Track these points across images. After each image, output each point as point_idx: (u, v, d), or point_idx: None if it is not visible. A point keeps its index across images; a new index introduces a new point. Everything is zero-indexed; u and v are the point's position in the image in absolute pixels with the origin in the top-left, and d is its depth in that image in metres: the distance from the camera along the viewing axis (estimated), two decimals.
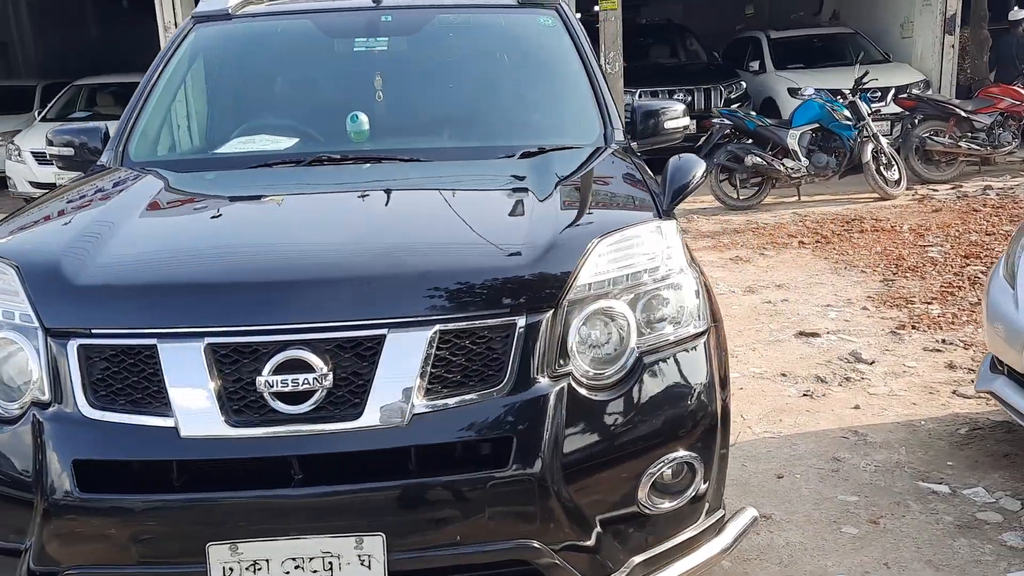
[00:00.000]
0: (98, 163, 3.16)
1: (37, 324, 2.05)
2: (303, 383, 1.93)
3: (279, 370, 1.94)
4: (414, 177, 2.89)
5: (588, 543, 2.05)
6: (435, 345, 1.99)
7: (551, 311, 2.07)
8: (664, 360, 2.18)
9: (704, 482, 2.22)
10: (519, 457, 1.96)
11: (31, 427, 1.99)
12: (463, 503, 1.94)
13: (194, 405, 1.93)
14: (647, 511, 2.14)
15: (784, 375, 4.79)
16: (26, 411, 2.02)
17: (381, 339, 1.97)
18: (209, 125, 3.50)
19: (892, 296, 6.02)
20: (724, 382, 2.31)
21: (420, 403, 1.96)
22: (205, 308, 2.01)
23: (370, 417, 1.93)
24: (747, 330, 5.58)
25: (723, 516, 2.35)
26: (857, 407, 4.32)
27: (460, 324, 2.01)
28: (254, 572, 1.90)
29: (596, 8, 11.42)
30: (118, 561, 1.94)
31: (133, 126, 3.25)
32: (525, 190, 2.53)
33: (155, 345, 1.97)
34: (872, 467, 3.70)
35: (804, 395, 4.51)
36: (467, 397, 1.99)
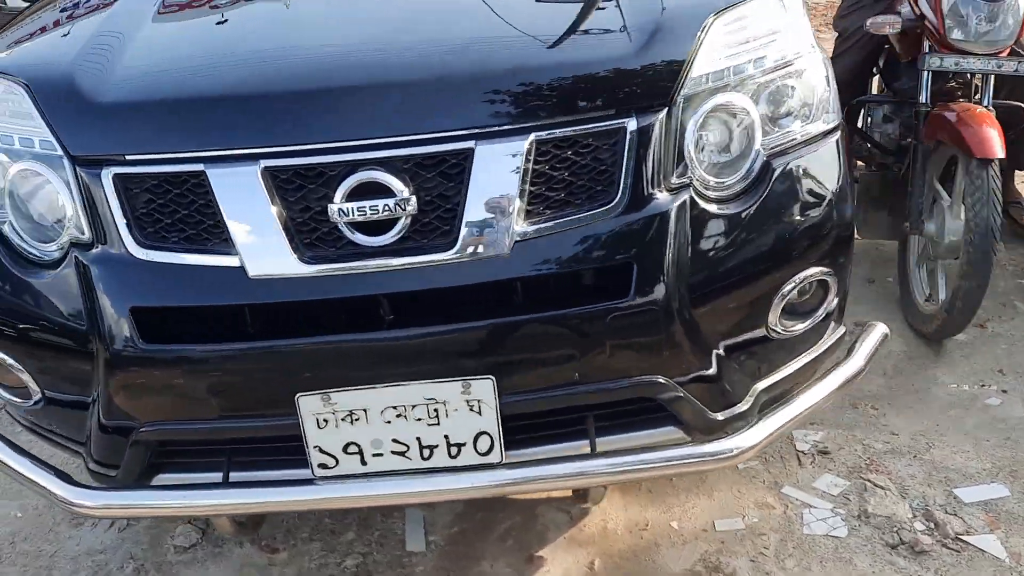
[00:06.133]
0: None
1: (61, 152, 1.73)
2: (383, 209, 1.64)
3: (353, 195, 1.64)
4: None
5: (710, 372, 1.82)
6: (532, 158, 1.67)
7: (664, 109, 1.74)
8: (794, 163, 1.86)
9: (835, 300, 1.98)
10: (641, 284, 1.69)
11: (75, 271, 1.72)
12: (581, 339, 1.70)
13: (260, 240, 1.65)
14: (776, 335, 1.90)
15: None
16: (66, 253, 1.74)
17: (469, 153, 1.66)
18: None
19: None
20: (853, 184, 2.01)
21: (521, 227, 1.67)
22: (255, 124, 1.68)
23: (465, 246, 1.65)
24: None
25: (844, 333, 2.12)
26: None
27: (561, 131, 1.69)
28: (351, 423, 1.69)
29: None
30: (197, 416, 1.73)
31: None
32: None
33: (203, 171, 1.66)
34: None
35: None
36: (574, 218, 1.69)
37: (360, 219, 1.64)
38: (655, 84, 1.74)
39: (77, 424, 1.88)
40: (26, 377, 1.86)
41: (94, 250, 1.72)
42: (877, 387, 2.89)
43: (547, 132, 1.68)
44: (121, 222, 1.69)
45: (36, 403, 1.89)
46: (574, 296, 1.70)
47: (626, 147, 1.71)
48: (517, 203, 1.66)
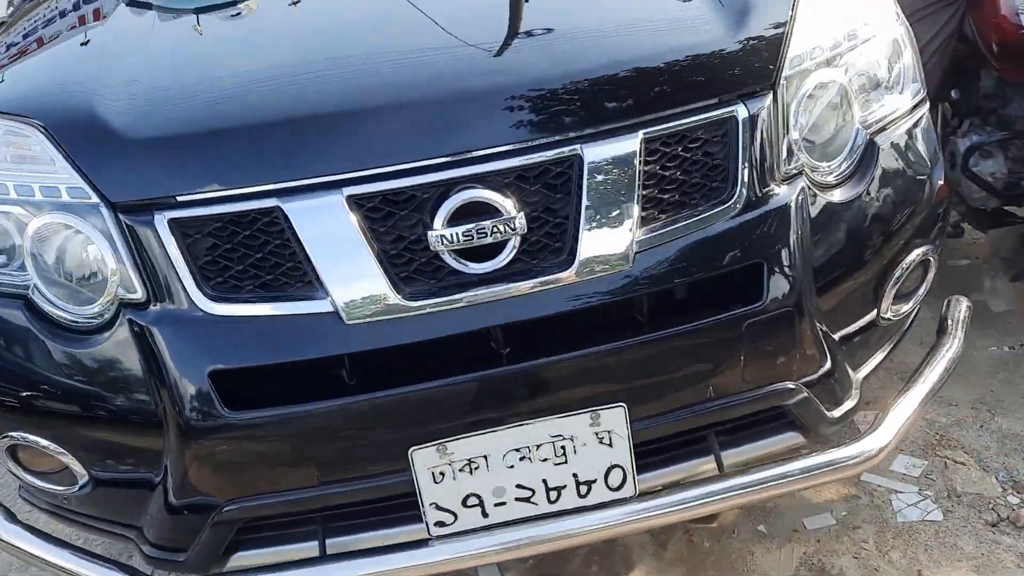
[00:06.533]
0: None
1: (97, 199, 1.49)
2: (492, 231, 1.45)
3: (453, 219, 1.45)
4: None
5: (829, 369, 1.70)
6: (643, 157, 1.51)
7: (770, 93, 1.60)
8: (894, 139, 1.76)
9: (932, 277, 1.89)
10: (774, 285, 1.55)
11: (130, 335, 1.48)
12: (716, 351, 1.55)
13: (354, 279, 1.44)
14: (884, 321, 1.80)
15: None
16: (115, 315, 1.50)
17: (577, 159, 1.48)
18: None
19: None
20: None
21: (640, 235, 1.51)
22: (334, 147, 1.47)
23: (584, 263, 1.48)
24: None
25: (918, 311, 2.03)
26: None
27: (669, 125, 1.53)
28: (470, 472, 1.51)
29: None
30: (294, 485, 1.51)
31: None
32: None
33: (277, 207, 1.44)
34: None
35: None
36: (694, 220, 1.54)
37: (465, 245, 1.45)
38: (758, 66, 1.60)
39: (131, 506, 1.64)
40: (68, 459, 1.61)
41: (152, 308, 1.48)
42: (918, 358, 2.82)
43: (655, 128, 1.52)
44: (185, 274, 1.45)
45: (82, 487, 1.64)
46: (703, 306, 1.55)
47: (738, 137, 1.56)
48: (635, 209, 1.49)
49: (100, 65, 1.70)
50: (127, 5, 2.00)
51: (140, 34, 1.80)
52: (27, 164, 1.55)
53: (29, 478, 1.68)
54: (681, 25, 1.66)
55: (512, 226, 1.45)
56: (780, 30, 1.63)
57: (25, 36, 2.06)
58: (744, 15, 1.64)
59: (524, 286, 1.47)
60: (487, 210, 1.46)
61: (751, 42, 1.62)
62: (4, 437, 1.61)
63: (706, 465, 1.67)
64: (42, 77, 1.77)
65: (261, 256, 1.46)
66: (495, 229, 1.45)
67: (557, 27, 1.65)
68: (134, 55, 1.72)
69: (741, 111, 1.56)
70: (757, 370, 1.59)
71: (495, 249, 1.47)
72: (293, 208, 1.44)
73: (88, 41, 1.89)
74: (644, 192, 1.51)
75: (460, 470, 1.50)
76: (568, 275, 1.48)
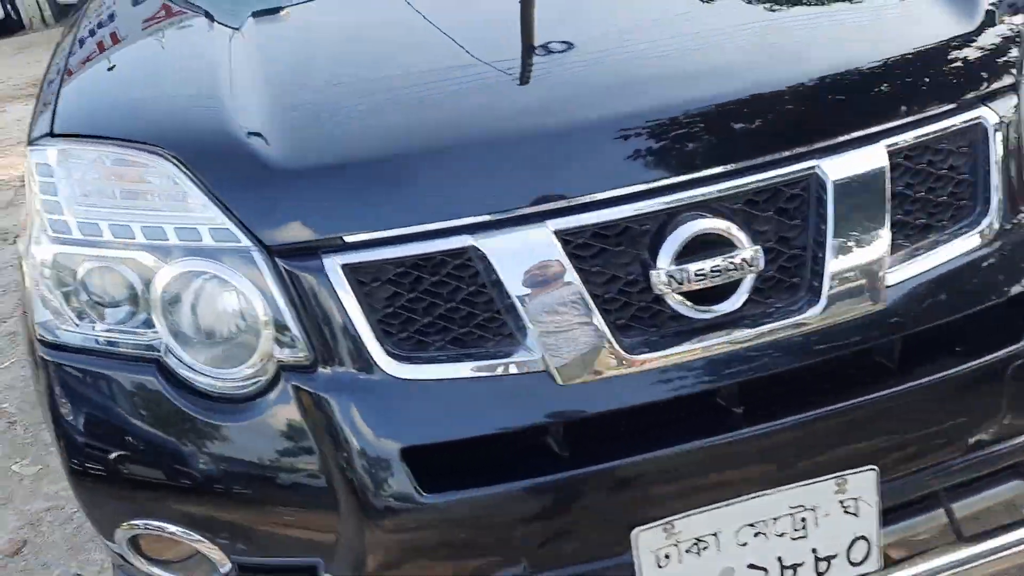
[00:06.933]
0: None
1: (248, 242, 1.24)
2: (728, 268, 1.21)
3: (682, 254, 1.22)
4: None
5: None
6: (889, 174, 1.29)
7: (1014, 95, 1.38)
8: None
9: None
10: None
11: (296, 405, 1.23)
12: (977, 399, 1.33)
13: (569, 331, 1.20)
14: None
15: None
16: (271, 381, 1.25)
17: (819, 179, 1.25)
18: None
19: None
20: None
21: (892, 266, 1.28)
22: (537, 172, 1.23)
23: (832, 302, 1.25)
24: None
25: None
26: None
27: (913, 134, 1.30)
28: (698, 553, 1.27)
29: None
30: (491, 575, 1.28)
31: None
32: None
33: (472, 246, 1.20)
34: None
35: None
36: (944, 247, 1.32)
37: (696, 287, 1.21)
38: (1000, 65, 1.39)
39: None
40: (206, 547, 1.36)
41: (322, 372, 1.23)
42: None
43: (899, 138, 1.29)
44: (364, 330, 1.21)
45: None
46: (955, 348, 1.32)
47: (988, 146, 1.34)
48: (885, 235, 1.27)
49: (218, 80, 1.44)
50: (206, 17, 1.74)
51: (256, 44, 1.55)
52: (144, 200, 1.30)
53: (156, 571, 1.42)
54: (911, 19, 1.44)
55: (748, 261, 1.22)
56: (1018, 24, 1.42)
57: (97, 41, 1.80)
58: (974, 7, 1.42)
59: (761, 332, 1.24)
60: (712, 243, 1.23)
61: (990, 38, 1.40)
62: (128, 526, 1.36)
63: (936, 521, 1.45)
64: (148, 95, 1.51)
65: (452, 306, 1.22)
66: (730, 266, 1.21)
67: (775, 23, 1.42)
68: (260, 69, 1.47)
69: (989, 116, 1.34)
70: (1014, 418, 1.37)
71: (722, 289, 1.24)
72: (491, 247, 1.19)
73: (188, 54, 1.64)
74: (891, 215, 1.29)
75: (687, 551, 1.27)
76: (813, 317, 1.25)
